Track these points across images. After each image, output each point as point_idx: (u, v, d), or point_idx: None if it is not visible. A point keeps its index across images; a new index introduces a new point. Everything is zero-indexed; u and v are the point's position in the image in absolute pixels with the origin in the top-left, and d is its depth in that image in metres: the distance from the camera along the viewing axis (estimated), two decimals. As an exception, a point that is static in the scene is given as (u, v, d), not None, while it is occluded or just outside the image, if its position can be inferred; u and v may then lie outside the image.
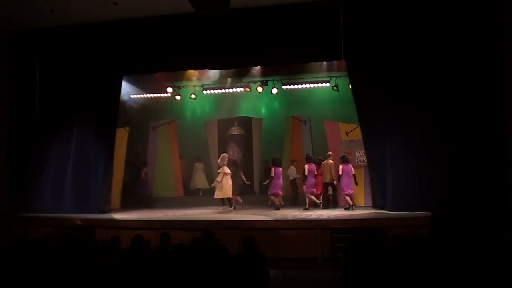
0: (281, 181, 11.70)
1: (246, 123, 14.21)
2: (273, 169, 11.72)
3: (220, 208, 11.86)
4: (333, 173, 11.26)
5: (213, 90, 14.07)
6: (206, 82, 13.81)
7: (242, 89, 13.66)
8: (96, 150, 11.31)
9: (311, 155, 11.77)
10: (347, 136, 12.20)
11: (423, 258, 4.45)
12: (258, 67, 12.52)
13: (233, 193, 11.54)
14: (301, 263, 8.43)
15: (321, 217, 9.70)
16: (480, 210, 7.39)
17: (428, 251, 4.50)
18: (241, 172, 12.10)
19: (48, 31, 11.47)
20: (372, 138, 10.21)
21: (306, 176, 11.36)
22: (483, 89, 9.42)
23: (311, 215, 10.11)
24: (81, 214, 10.64)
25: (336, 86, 12.35)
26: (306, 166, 11.37)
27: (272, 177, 11.65)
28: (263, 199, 12.43)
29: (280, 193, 11.67)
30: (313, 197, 11.34)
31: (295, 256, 8.62)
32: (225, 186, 11.29)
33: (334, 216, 9.83)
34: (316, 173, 11.44)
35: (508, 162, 9.16)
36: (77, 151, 11.41)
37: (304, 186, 11.49)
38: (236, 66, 11.93)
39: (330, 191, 11.62)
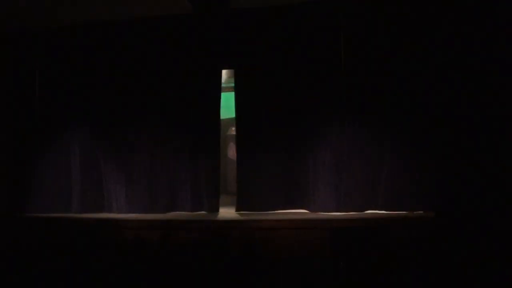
0: None
1: (246, 123, 14.15)
2: None
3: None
4: None
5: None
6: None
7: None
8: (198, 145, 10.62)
9: None
10: None
11: (424, 258, 4.46)
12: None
13: None
14: (301, 263, 8.42)
15: (321, 217, 9.70)
16: (481, 208, 7.39)
17: (429, 250, 4.50)
18: None
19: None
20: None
21: None
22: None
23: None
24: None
25: None
26: None
27: None
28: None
29: None
30: None
31: (294, 256, 8.63)
32: None
33: (334, 216, 9.82)
34: None
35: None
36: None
37: None
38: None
39: None
